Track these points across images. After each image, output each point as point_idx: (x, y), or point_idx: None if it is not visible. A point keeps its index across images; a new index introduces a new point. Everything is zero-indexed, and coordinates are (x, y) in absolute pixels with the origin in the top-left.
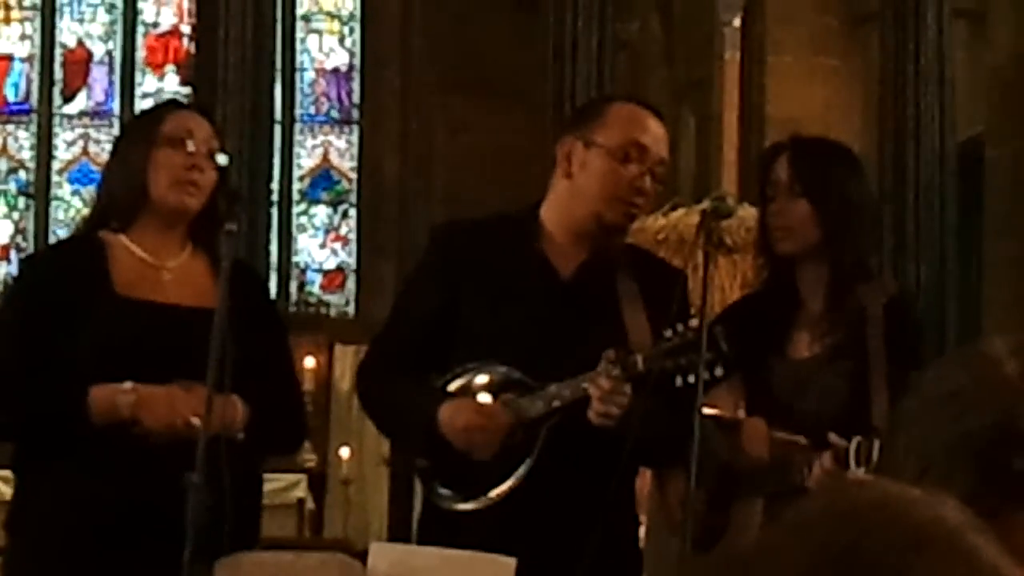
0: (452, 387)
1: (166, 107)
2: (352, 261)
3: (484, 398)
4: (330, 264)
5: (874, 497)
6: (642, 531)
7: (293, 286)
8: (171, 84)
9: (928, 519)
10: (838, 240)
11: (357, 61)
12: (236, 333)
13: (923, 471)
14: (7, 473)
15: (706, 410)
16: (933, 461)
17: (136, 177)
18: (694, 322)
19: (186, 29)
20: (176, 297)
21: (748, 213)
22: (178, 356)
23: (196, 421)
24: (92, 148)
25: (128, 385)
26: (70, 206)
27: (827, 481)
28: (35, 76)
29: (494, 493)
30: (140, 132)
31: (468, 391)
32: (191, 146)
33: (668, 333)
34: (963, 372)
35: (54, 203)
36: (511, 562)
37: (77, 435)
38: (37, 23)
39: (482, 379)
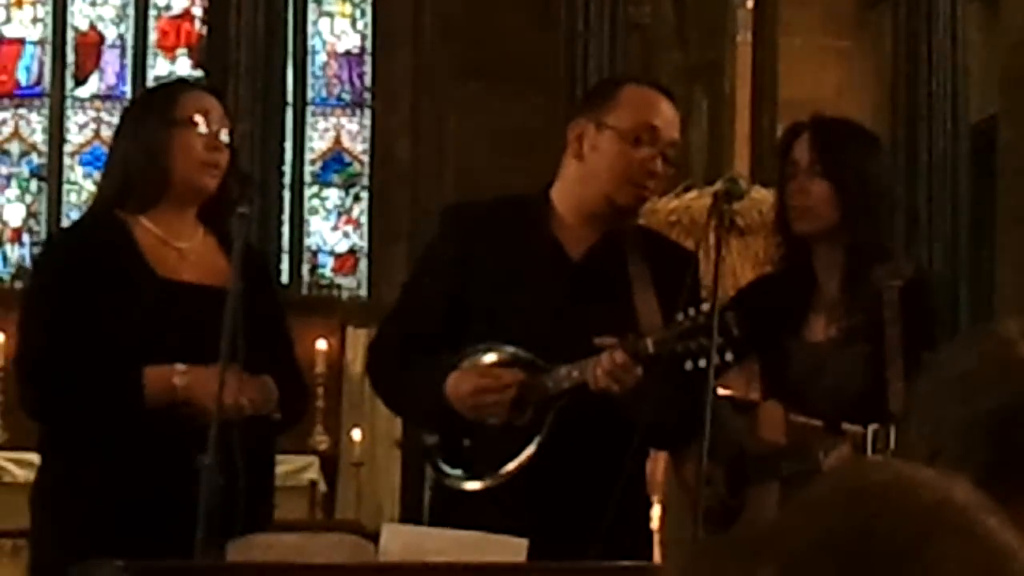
0: (463, 367)
1: (178, 87)
2: (364, 244)
3: (489, 359)
4: (342, 247)
5: (885, 478)
6: (654, 512)
7: (305, 269)
8: (183, 67)
9: (940, 499)
10: (856, 221)
11: (369, 44)
12: (245, 312)
13: (935, 453)
14: (24, 456)
15: (721, 391)
16: (945, 443)
17: (157, 158)
18: (705, 305)
19: (198, 12)
20: (200, 277)
21: (760, 195)
22: (208, 336)
23: (246, 402)
24: (104, 131)
25: (181, 367)
26: (83, 189)
27: (838, 463)
28: (47, 59)
29: (503, 471)
30: (155, 112)
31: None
32: (208, 126)
33: (679, 316)
34: (975, 353)
35: (66, 186)
36: (523, 542)
37: (132, 415)
38: (49, 6)
39: (491, 358)
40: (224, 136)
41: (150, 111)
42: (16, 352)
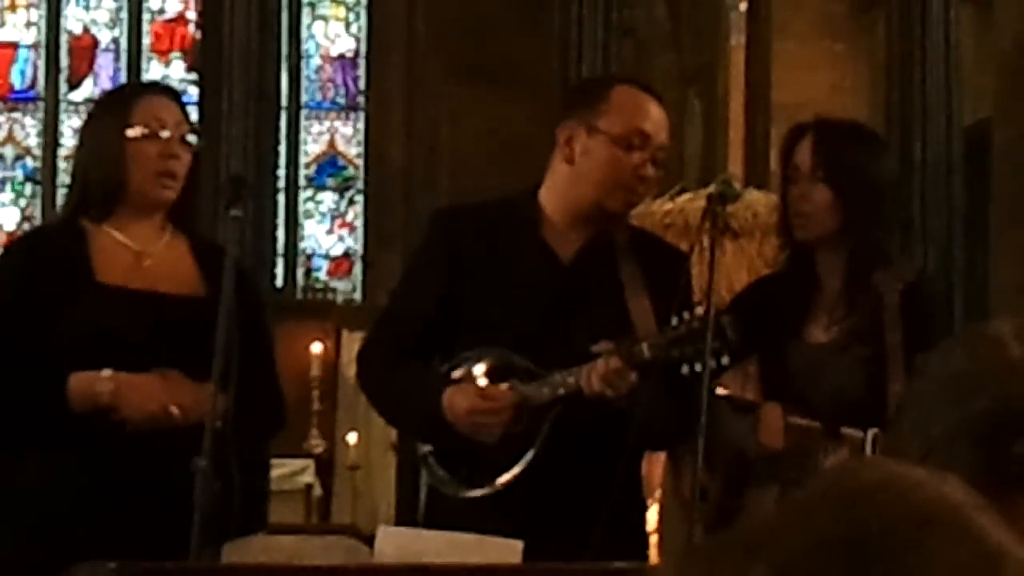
0: (455, 374)
1: (132, 92)
2: (359, 247)
3: (483, 381)
4: (337, 250)
5: (878, 477)
6: (650, 514)
7: (300, 272)
8: (177, 71)
9: (932, 498)
10: (858, 228)
11: (363, 47)
12: (213, 318)
13: (926, 453)
14: None
15: (719, 390)
16: (935, 443)
17: (111, 167)
18: (700, 309)
19: (192, 16)
20: (156, 283)
21: (754, 197)
22: (158, 343)
23: (175, 410)
24: None
25: (107, 373)
26: None
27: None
28: (41, 63)
29: (499, 481)
30: (109, 120)
31: (470, 378)
32: (163, 134)
33: (675, 320)
34: (967, 354)
35: (61, 190)
36: (518, 545)
37: (56, 422)
38: (43, 10)
39: (484, 366)
40: (181, 141)
41: (104, 119)
42: None
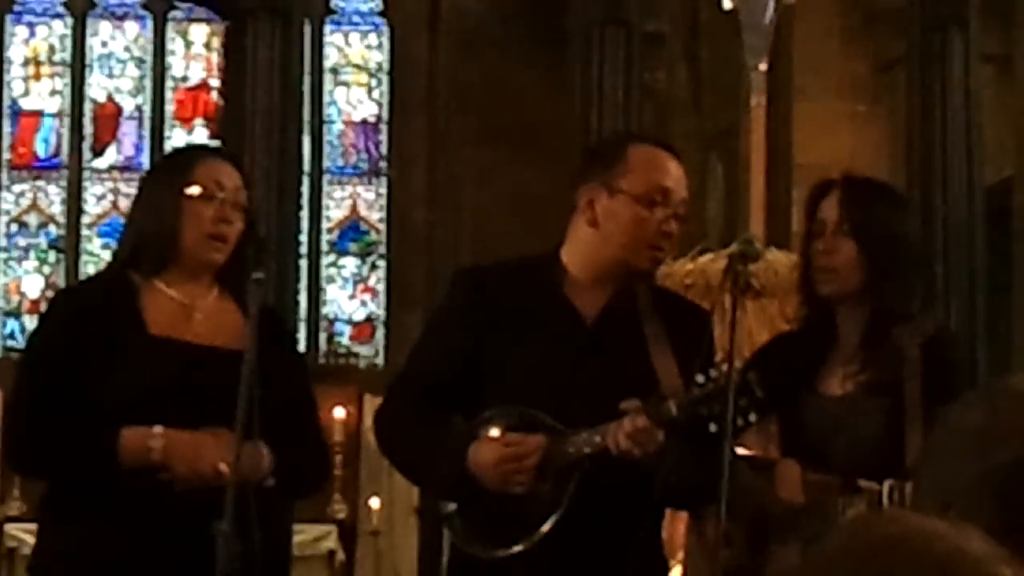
0: (480, 434)
1: (195, 154)
2: (381, 312)
3: (494, 432)
4: (359, 315)
5: (898, 530)
6: (673, 575)
7: (322, 337)
8: (200, 138)
9: (952, 551)
10: (882, 284)
11: (385, 112)
12: (260, 376)
13: (946, 506)
14: (31, 525)
15: (739, 450)
16: (956, 497)
17: (166, 225)
18: (725, 366)
19: (215, 83)
20: (208, 338)
21: (776, 257)
22: (209, 398)
23: (224, 468)
24: (122, 202)
25: (158, 429)
26: (100, 260)
27: (851, 515)
28: (65, 131)
29: (525, 541)
30: (169, 179)
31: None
32: (220, 196)
33: (700, 379)
34: (987, 408)
35: (84, 257)
36: None
37: (106, 478)
38: (67, 78)
39: (507, 423)
40: (236, 207)
41: (164, 178)
42: (6, 406)
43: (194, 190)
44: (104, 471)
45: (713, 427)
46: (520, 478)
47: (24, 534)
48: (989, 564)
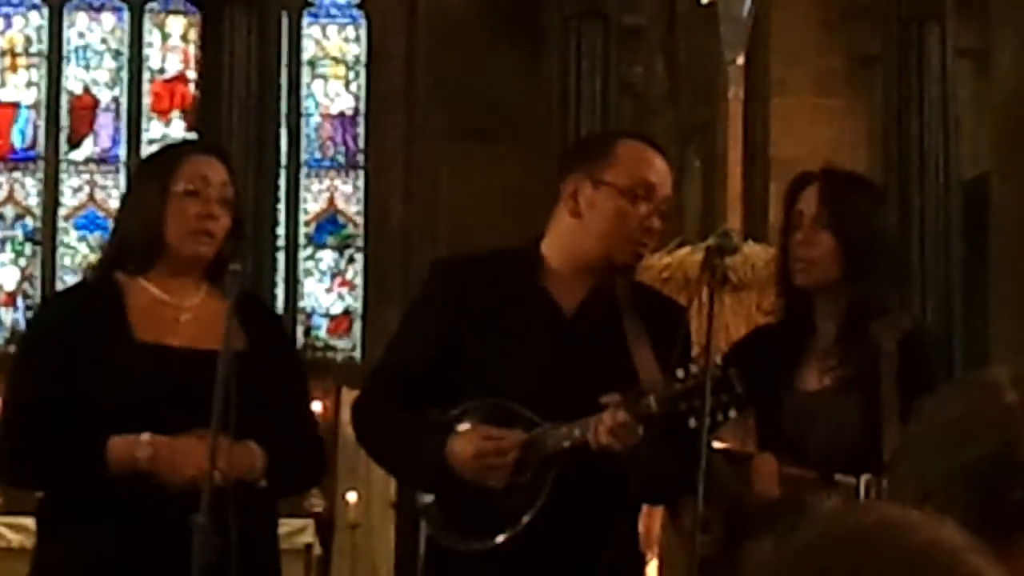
0: (458, 427)
1: (180, 151)
2: (359, 305)
3: (471, 425)
4: (336, 308)
5: (872, 521)
6: (649, 569)
7: (299, 331)
8: (177, 130)
9: (927, 541)
10: (859, 277)
11: (362, 105)
12: (253, 372)
13: (923, 499)
14: (20, 521)
15: (716, 444)
16: (932, 489)
17: (151, 224)
18: (703, 360)
19: (191, 75)
20: (194, 340)
21: (753, 250)
22: (198, 400)
23: (216, 473)
24: (98, 194)
25: (145, 437)
26: (76, 252)
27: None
28: (41, 123)
29: (502, 534)
30: (154, 177)
31: (471, 429)
32: (206, 193)
33: (680, 374)
34: (964, 401)
35: (60, 249)
36: None
37: (96, 488)
38: (44, 70)
39: (484, 416)
40: (223, 202)
41: (150, 175)
42: None
43: (179, 187)
44: (93, 482)
45: (692, 422)
46: (498, 472)
47: (2, 527)
48: (963, 555)
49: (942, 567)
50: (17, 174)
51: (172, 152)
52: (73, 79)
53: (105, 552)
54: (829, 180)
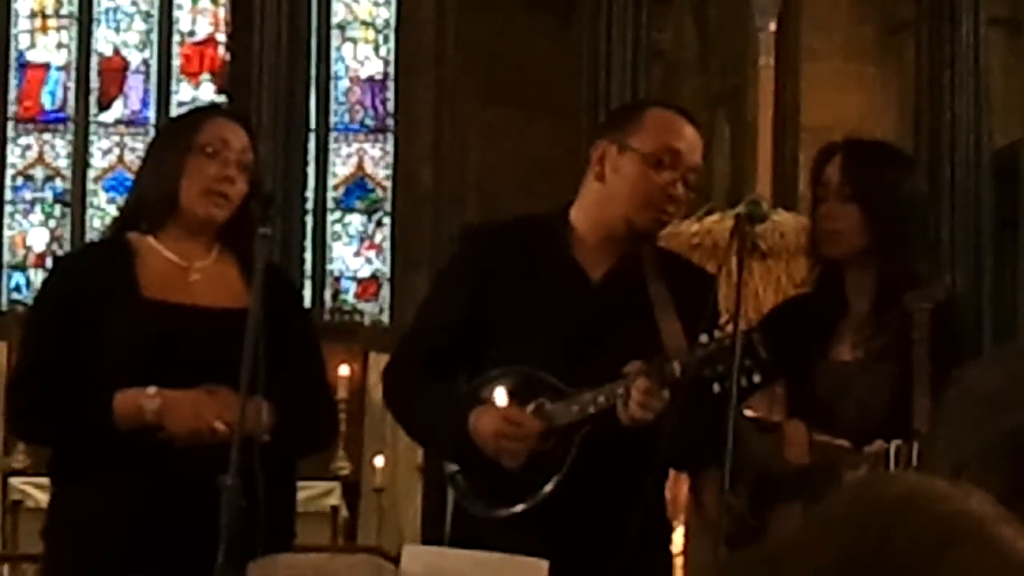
0: (483, 393)
1: (204, 113)
2: (387, 269)
3: (501, 396)
4: (364, 272)
5: (901, 491)
6: (676, 536)
7: (327, 294)
8: (206, 93)
9: (956, 512)
10: (886, 247)
11: (392, 70)
12: (266, 335)
13: (959, 469)
14: (44, 480)
15: (746, 412)
16: (969, 460)
17: (168, 182)
18: (730, 327)
19: (221, 38)
20: (204, 299)
21: (782, 218)
22: (205, 358)
23: (220, 426)
24: (128, 157)
25: (152, 390)
26: (106, 214)
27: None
28: (71, 85)
29: (527, 501)
30: (176, 137)
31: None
32: (225, 155)
33: (704, 339)
34: (1004, 370)
35: (90, 211)
36: (543, 564)
37: (103, 441)
38: (74, 32)
39: (511, 383)
40: (242, 167)
41: (172, 136)
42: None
43: (199, 146)
44: (101, 436)
45: (716, 387)
46: (514, 456)
47: (29, 487)
48: (991, 525)
49: (970, 537)
50: (47, 136)
51: (195, 114)
52: (103, 41)
53: (113, 507)
54: (851, 151)
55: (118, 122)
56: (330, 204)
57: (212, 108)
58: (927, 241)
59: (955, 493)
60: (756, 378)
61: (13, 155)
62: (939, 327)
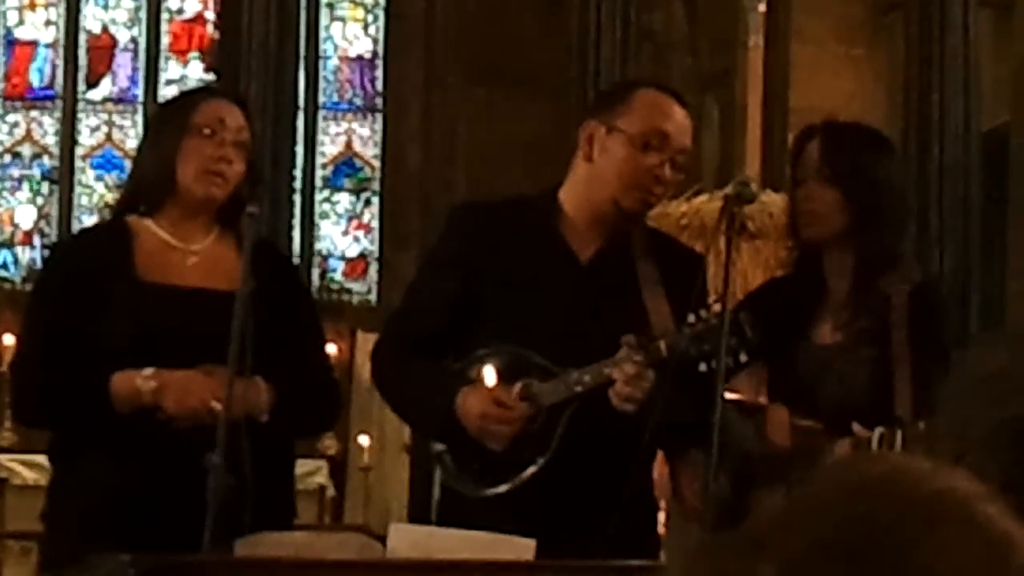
0: (471, 373)
1: (200, 94)
2: (375, 249)
3: (490, 375)
4: (352, 252)
5: (884, 471)
6: (662, 516)
7: (315, 273)
8: (195, 71)
9: (939, 490)
10: (865, 228)
11: (381, 49)
12: (263, 314)
13: (963, 452)
14: (33, 458)
15: (728, 395)
16: (972, 443)
17: (165, 163)
18: (717, 307)
19: (210, 16)
20: (201, 281)
21: (771, 199)
22: (203, 340)
23: (218, 406)
24: (116, 134)
25: (149, 371)
26: (93, 192)
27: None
28: (60, 62)
29: (514, 480)
30: (173, 118)
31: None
32: (222, 136)
33: (691, 318)
34: (1007, 354)
35: (78, 189)
36: (531, 543)
37: (102, 422)
38: (62, 9)
39: (500, 363)
40: (239, 147)
41: (168, 117)
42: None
43: (196, 127)
44: (100, 418)
45: (703, 367)
46: (499, 439)
47: (16, 464)
48: (975, 503)
49: (954, 515)
50: (35, 113)
51: (191, 95)
52: (91, 18)
53: (118, 488)
54: (831, 133)
55: (106, 100)
56: (318, 183)
57: (208, 89)
58: (905, 223)
59: (938, 472)
60: (743, 357)
61: (1, 133)
62: (917, 309)
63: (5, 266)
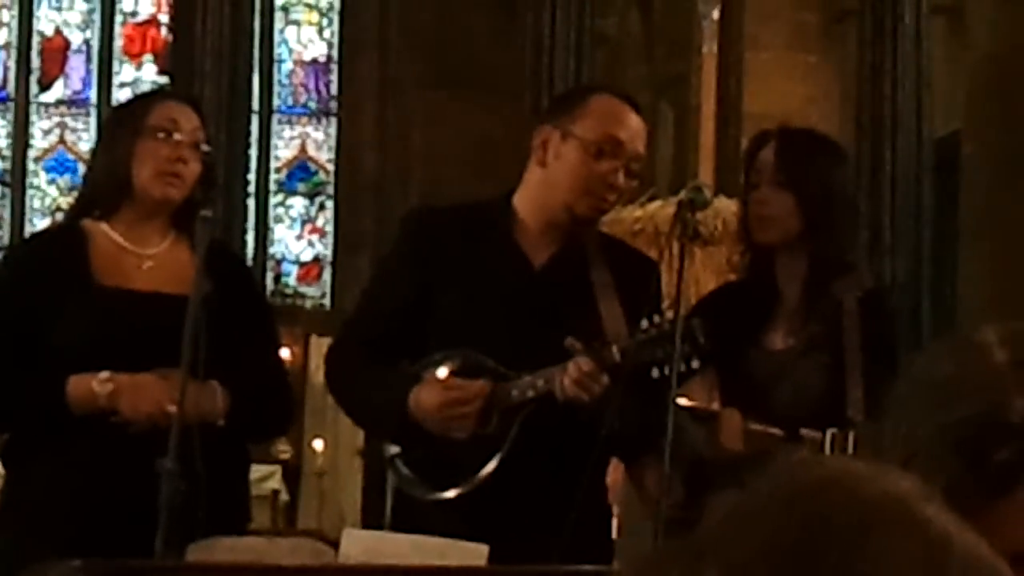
0: (425, 375)
1: (154, 96)
2: (329, 253)
3: (441, 372)
4: (306, 256)
5: (821, 476)
6: (615, 521)
7: (269, 277)
8: (149, 73)
9: (877, 494)
10: (818, 233)
11: (335, 52)
12: (218, 317)
13: (909, 457)
14: None
15: (681, 401)
16: (919, 448)
17: (120, 166)
18: (670, 313)
19: (164, 19)
20: (156, 285)
21: (724, 205)
22: (158, 344)
23: (173, 409)
24: (69, 137)
25: (104, 375)
26: (46, 195)
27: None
28: (12, 64)
29: (467, 483)
30: (126, 121)
31: (436, 378)
32: (176, 137)
33: (644, 324)
34: (952, 360)
35: (30, 191)
36: (483, 548)
37: (57, 426)
38: (15, 11)
39: (454, 366)
40: (194, 148)
41: (122, 120)
42: None
43: (150, 128)
44: (54, 421)
45: (656, 372)
46: (462, 423)
47: None
48: (915, 504)
49: (891, 517)
50: None
51: (145, 98)
52: (45, 20)
53: (71, 492)
54: (786, 138)
55: (59, 102)
56: (272, 187)
57: (161, 91)
58: (857, 229)
59: (877, 474)
60: (695, 363)
61: None
62: (868, 315)
63: None
